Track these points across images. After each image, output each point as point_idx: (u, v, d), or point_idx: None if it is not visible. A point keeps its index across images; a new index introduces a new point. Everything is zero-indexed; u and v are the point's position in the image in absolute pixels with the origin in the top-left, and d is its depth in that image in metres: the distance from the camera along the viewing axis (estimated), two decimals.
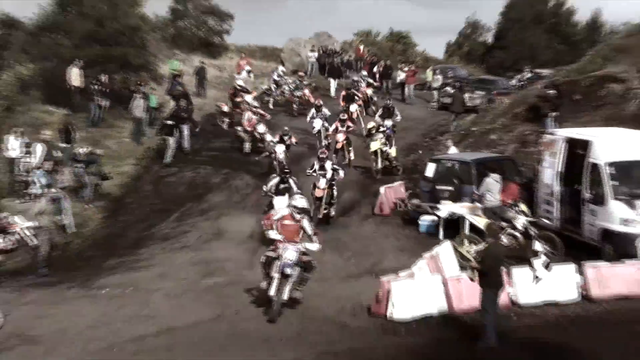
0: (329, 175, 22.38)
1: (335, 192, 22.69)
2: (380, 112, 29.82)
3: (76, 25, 29.93)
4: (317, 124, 29.34)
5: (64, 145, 24.52)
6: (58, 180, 22.32)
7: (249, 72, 38.19)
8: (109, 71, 30.17)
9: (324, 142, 28.78)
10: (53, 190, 21.74)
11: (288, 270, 14.73)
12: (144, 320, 15.44)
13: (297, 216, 15.70)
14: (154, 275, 18.63)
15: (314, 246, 15.35)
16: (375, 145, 26.81)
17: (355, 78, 37.81)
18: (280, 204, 19.46)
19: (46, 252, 19.59)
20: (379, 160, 26.86)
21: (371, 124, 27.97)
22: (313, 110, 30.02)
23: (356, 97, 33.56)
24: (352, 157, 28.25)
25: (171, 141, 27.34)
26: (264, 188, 21.28)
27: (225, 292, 16.88)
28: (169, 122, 27.63)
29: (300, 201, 16.68)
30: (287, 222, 15.79)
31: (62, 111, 27.77)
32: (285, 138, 26.29)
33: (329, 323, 15.02)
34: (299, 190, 20.40)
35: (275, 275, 14.81)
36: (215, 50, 47.36)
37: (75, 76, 29.00)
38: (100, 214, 23.54)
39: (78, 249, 21.38)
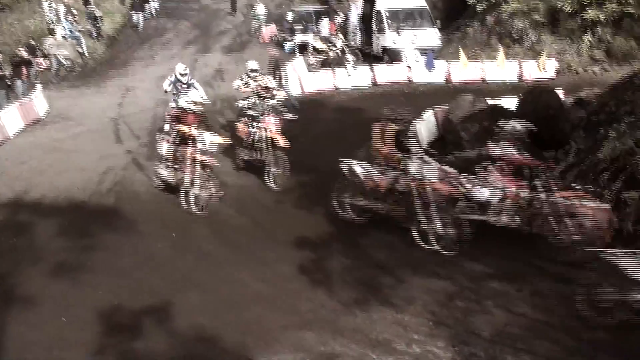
0: None
1: None
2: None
3: None
4: None
5: (83, 7, 22.13)
6: (77, 26, 20.15)
7: None
8: None
9: None
10: (76, 32, 19.86)
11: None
12: (131, 104, 14.98)
13: None
14: (136, 80, 17.59)
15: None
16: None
17: None
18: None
19: (64, 69, 18.12)
20: None
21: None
22: None
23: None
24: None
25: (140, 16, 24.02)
26: None
27: None
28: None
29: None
30: None
31: None
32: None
33: None
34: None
35: None
36: None
37: None
38: (103, 47, 21.47)
39: (92, 66, 19.71)
